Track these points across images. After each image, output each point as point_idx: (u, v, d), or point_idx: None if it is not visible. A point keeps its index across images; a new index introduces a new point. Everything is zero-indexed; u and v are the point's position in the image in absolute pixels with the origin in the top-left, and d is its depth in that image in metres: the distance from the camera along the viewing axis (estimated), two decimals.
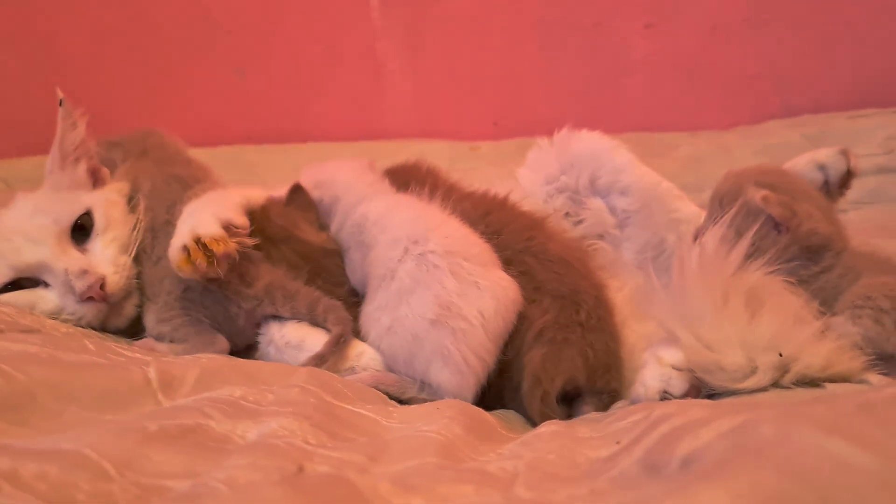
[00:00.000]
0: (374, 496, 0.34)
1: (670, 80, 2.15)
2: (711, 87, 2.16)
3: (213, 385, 0.67)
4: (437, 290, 0.78)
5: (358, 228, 0.90)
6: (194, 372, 0.68)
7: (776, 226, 0.86)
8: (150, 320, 0.91)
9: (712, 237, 0.85)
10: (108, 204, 0.97)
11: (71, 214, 0.93)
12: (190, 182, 1.00)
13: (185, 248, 0.84)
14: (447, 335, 0.77)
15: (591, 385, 0.83)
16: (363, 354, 0.86)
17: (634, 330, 0.95)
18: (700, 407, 0.47)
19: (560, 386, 0.80)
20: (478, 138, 2.10)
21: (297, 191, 1.00)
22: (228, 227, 0.87)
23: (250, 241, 0.88)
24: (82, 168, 1.01)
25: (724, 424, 0.34)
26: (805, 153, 1.11)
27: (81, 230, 0.94)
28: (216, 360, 0.74)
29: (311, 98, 2.18)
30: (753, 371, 0.77)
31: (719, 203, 0.89)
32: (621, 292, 1.03)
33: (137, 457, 0.46)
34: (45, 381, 0.59)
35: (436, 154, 2.05)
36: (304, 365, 0.81)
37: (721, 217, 0.86)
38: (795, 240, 0.86)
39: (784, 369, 0.77)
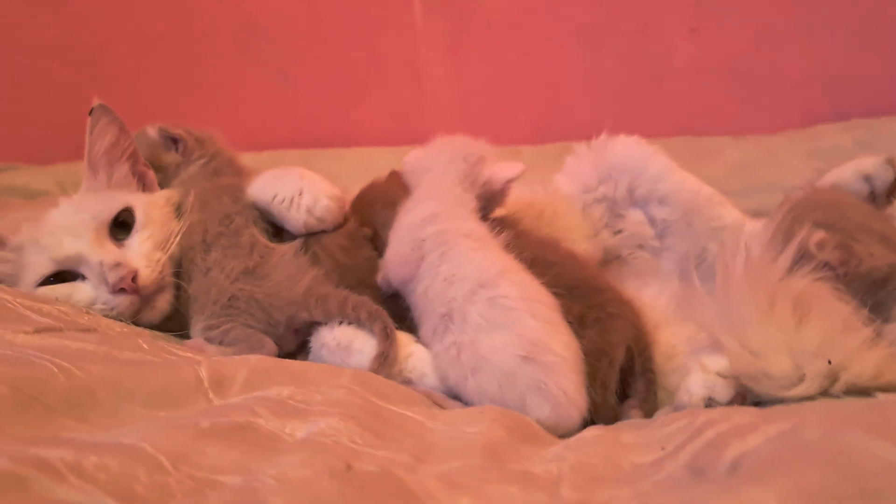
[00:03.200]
0: (422, 493, 0.35)
1: (716, 85, 2.13)
2: (759, 91, 2.13)
3: (262, 385, 0.69)
4: (519, 329, 0.77)
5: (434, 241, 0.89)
6: (244, 372, 0.70)
7: (833, 267, 0.84)
8: (196, 330, 0.93)
9: (759, 242, 0.84)
10: (149, 204, 1.01)
11: (110, 211, 0.97)
12: (239, 194, 1.02)
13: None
14: (540, 370, 0.75)
15: (643, 353, 0.85)
16: (412, 356, 0.87)
17: (675, 333, 0.94)
18: (745, 413, 0.46)
19: (623, 353, 0.82)
20: (520, 143, 2.10)
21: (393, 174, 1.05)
22: None
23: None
24: (123, 170, 1.05)
25: (771, 429, 0.34)
26: (849, 162, 1.09)
27: (123, 227, 0.98)
28: (265, 361, 0.76)
29: (354, 103, 2.21)
30: (801, 379, 0.75)
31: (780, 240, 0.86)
32: (660, 298, 1.02)
33: (191, 452, 0.48)
34: (104, 378, 0.62)
35: None
36: (369, 367, 0.83)
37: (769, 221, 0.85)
38: (857, 278, 0.84)
39: (833, 377, 0.76)
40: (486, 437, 0.56)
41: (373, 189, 1.04)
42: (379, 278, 0.93)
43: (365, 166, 2.05)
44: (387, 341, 0.84)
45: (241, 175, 1.12)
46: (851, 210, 0.90)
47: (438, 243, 0.87)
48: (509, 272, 0.83)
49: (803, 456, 0.26)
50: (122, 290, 0.92)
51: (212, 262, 0.95)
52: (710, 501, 0.24)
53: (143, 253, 0.96)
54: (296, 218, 0.96)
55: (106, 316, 0.91)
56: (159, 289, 0.96)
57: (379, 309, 0.88)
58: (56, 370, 0.60)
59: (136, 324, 0.94)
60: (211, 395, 0.66)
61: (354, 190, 1.84)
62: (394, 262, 0.90)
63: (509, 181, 0.97)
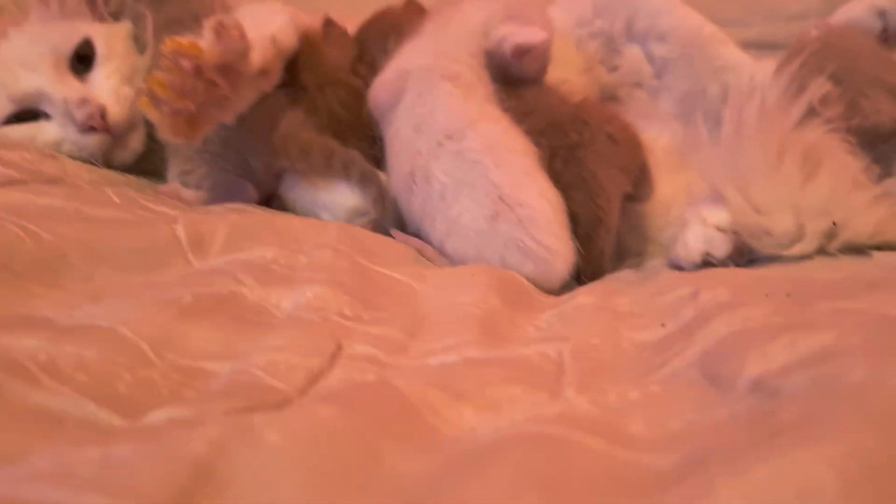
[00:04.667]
0: (424, 407, 0.33)
1: None
2: None
3: (244, 244, 0.65)
4: (485, 187, 0.72)
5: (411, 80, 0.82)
6: (224, 229, 0.66)
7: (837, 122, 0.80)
8: (172, 174, 0.90)
9: (773, 90, 0.79)
10: (110, 35, 0.93)
11: (69, 42, 0.90)
12: (189, 22, 0.93)
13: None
14: (514, 226, 0.71)
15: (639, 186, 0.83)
16: None
17: (672, 180, 0.91)
18: (756, 303, 0.44)
19: (618, 207, 0.78)
20: None
21: (329, 25, 0.95)
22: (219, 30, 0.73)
23: (241, 45, 0.75)
24: None
25: (798, 345, 0.32)
26: None
27: (82, 62, 0.90)
28: (246, 217, 0.72)
29: None
30: (801, 237, 0.74)
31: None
32: (658, 142, 0.98)
33: (174, 334, 0.45)
34: (75, 241, 0.58)
35: None
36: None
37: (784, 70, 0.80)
38: (860, 132, 0.80)
39: (831, 235, 0.75)
40: (480, 310, 0.54)
41: (385, 17, 0.95)
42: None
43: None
44: (382, 210, 0.81)
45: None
46: (865, 61, 0.86)
47: (421, 80, 0.81)
48: (481, 121, 0.77)
49: (850, 407, 0.24)
50: (91, 129, 0.86)
51: None
52: (757, 466, 0.21)
53: (109, 88, 0.89)
54: None
55: (74, 158, 0.86)
56: (131, 126, 0.90)
57: (373, 171, 0.83)
58: (23, 234, 0.56)
59: (109, 165, 0.89)
60: (190, 257, 0.63)
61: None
62: (377, 87, 0.85)
63: (519, 47, 0.83)
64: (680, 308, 0.52)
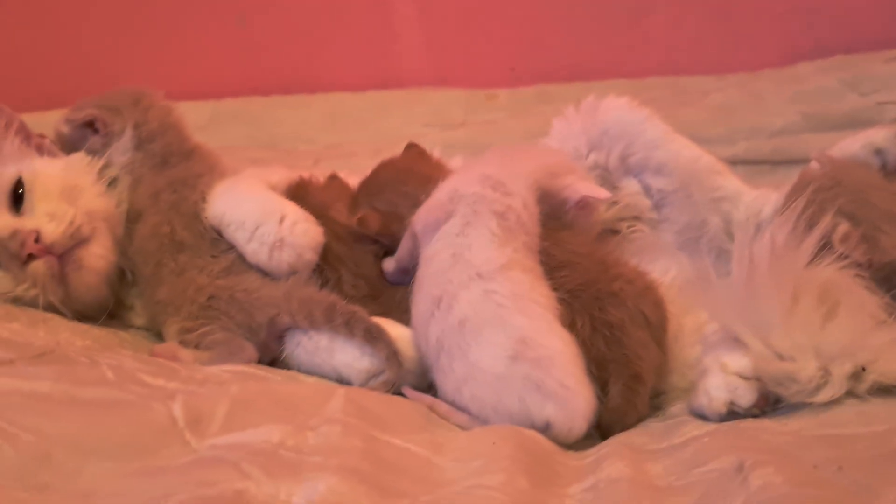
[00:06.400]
0: None
1: (695, 20, 2.04)
2: (739, 26, 2.04)
3: (246, 419, 0.61)
4: (507, 330, 0.72)
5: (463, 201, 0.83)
6: (224, 405, 0.62)
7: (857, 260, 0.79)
8: (171, 333, 0.86)
9: (782, 228, 0.78)
10: (42, 164, 0.91)
11: (3, 185, 0.88)
12: (202, 186, 0.92)
13: None
14: (533, 367, 0.70)
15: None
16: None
17: (683, 322, 0.88)
18: (813, 492, 0.40)
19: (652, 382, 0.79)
20: (494, 85, 2.00)
21: (333, 178, 0.99)
22: None
23: None
24: (14, 144, 0.94)
25: None
26: (859, 133, 1.01)
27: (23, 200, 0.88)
28: (247, 388, 0.68)
29: (318, 45, 2.06)
30: (827, 382, 0.71)
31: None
32: (666, 277, 0.96)
33: None
34: (61, 437, 0.53)
35: (451, 104, 1.95)
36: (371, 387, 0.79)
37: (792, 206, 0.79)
38: (880, 269, 0.78)
39: (858, 378, 0.71)
40: (509, 496, 0.50)
41: (393, 164, 0.96)
42: (388, 263, 0.88)
43: (333, 113, 1.95)
44: (397, 367, 0.78)
45: (189, 150, 1.00)
46: (877, 195, 0.84)
47: (471, 210, 0.81)
48: (511, 269, 0.77)
49: None
50: (30, 257, 0.83)
51: (186, 263, 0.87)
52: None
53: (43, 211, 0.86)
54: (275, 270, 0.87)
55: (37, 301, 0.83)
56: (77, 242, 0.87)
57: (378, 327, 0.80)
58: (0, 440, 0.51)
59: (79, 298, 0.87)
60: (188, 437, 0.58)
61: (323, 140, 1.73)
62: (425, 208, 0.84)
63: (585, 198, 0.88)
64: (726, 489, 0.48)
